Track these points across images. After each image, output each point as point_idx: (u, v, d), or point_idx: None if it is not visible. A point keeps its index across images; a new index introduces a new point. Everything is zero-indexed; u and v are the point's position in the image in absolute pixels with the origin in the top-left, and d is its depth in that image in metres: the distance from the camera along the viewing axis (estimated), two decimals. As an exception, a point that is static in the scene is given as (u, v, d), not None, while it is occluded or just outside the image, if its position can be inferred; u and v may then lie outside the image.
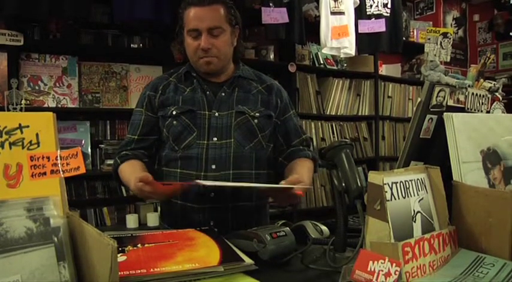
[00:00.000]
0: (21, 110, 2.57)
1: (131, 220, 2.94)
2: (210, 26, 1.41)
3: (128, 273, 0.85)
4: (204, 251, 1.02)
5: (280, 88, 1.59)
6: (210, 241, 1.09)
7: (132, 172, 1.38)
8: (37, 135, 0.76)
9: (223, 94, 1.48)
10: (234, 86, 1.51)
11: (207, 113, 1.45)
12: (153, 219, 2.95)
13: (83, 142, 2.92)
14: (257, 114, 1.47)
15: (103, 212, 2.96)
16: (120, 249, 0.95)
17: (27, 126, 0.76)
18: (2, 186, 0.72)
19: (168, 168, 1.48)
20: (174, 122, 1.45)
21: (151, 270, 0.88)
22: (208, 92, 1.48)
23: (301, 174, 1.35)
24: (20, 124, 0.75)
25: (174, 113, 1.45)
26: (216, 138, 1.43)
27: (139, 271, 0.87)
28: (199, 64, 1.46)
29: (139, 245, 1.01)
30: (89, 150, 2.94)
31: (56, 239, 0.70)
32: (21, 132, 0.75)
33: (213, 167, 1.41)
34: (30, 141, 0.75)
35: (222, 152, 1.42)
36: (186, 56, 1.53)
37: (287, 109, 1.57)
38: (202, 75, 1.51)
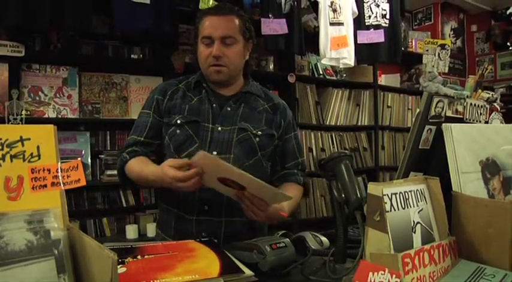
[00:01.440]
0: (21, 120, 2.57)
1: (131, 231, 2.93)
2: (223, 34, 1.42)
3: None
4: (204, 262, 1.02)
5: (285, 107, 1.59)
6: (210, 252, 1.09)
7: (146, 164, 1.39)
8: (38, 147, 0.76)
9: (228, 109, 1.48)
10: (240, 102, 1.51)
11: (210, 125, 1.46)
12: (152, 229, 2.94)
13: (83, 152, 2.92)
14: (259, 132, 1.47)
15: (103, 222, 2.95)
16: (120, 260, 0.95)
17: (28, 139, 0.76)
18: (3, 198, 0.72)
19: None
20: (178, 131, 1.45)
21: (151, 281, 0.88)
22: (214, 105, 1.48)
23: (282, 205, 1.34)
24: (21, 137, 0.76)
25: (178, 121, 1.45)
26: (216, 152, 1.42)
27: None
28: (209, 72, 1.46)
29: (139, 257, 1.01)
30: (89, 160, 2.94)
31: (56, 252, 0.70)
32: (22, 145, 0.75)
33: None
34: (31, 154, 0.76)
35: None
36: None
37: (289, 130, 1.57)
38: (211, 86, 1.52)
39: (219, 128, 1.45)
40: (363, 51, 3.50)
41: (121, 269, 0.92)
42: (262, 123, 1.50)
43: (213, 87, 1.52)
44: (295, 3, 3.14)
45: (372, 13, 3.53)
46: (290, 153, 1.56)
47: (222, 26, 1.43)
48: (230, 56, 1.44)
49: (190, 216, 1.42)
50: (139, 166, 1.40)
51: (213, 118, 1.47)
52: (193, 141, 1.44)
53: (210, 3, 2.64)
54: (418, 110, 1.08)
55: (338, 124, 3.86)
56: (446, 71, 1.94)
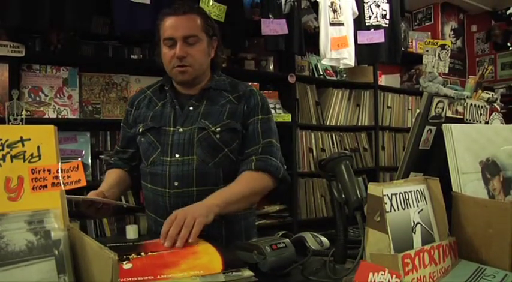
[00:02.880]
0: (21, 120, 2.57)
1: (131, 231, 2.92)
2: (185, 34, 1.40)
3: (136, 279, 0.86)
4: (207, 258, 1.02)
5: (252, 93, 1.51)
6: (211, 248, 1.09)
7: (105, 181, 1.52)
8: (38, 148, 0.76)
9: (190, 108, 1.46)
10: (203, 99, 1.48)
11: (171, 129, 1.44)
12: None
13: (83, 153, 2.92)
14: (218, 129, 1.42)
15: (103, 222, 2.95)
16: (124, 257, 0.95)
17: (29, 139, 0.76)
18: (3, 199, 0.72)
19: (144, 182, 1.52)
20: (142, 139, 1.49)
21: (159, 276, 0.88)
22: (177, 107, 1.47)
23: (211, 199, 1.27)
24: (21, 137, 0.76)
25: (141, 130, 1.49)
26: (178, 155, 1.41)
27: (147, 278, 0.87)
28: (173, 73, 1.45)
29: (142, 254, 1.01)
30: (89, 161, 2.94)
31: (56, 252, 0.70)
32: (23, 145, 0.75)
33: (176, 184, 1.41)
34: (32, 154, 0.76)
35: (185, 168, 1.40)
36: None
37: (252, 114, 1.47)
38: (177, 88, 1.51)
39: (180, 130, 1.43)
40: (363, 52, 3.50)
41: (127, 265, 0.92)
42: (224, 117, 1.44)
43: (179, 89, 1.51)
44: (296, 3, 3.14)
45: (372, 13, 3.53)
46: (249, 138, 1.45)
47: (183, 26, 1.41)
48: (194, 55, 1.42)
49: (162, 219, 1.40)
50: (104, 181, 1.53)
51: (174, 120, 1.45)
52: (156, 146, 1.45)
53: (210, 3, 2.65)
54: (418, 111, 1.08)
55: (338, 124, 3.86)
56: (447, 71, 1.94)
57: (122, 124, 1.62)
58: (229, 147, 1.44)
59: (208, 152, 1.42)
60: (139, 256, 0.99)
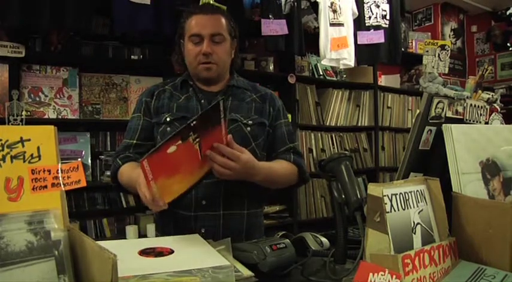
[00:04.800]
0: (21, 121, 2.58)
1: (131, 231, 2.93)
2: (212, 32, 1.43)
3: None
4: None
5: (273, 96, 1.59)
6: None
7: (135, 169, 1.35)
8: (38, 148, 0.76)
9: None
10: (228, 95, 1.51)
11: None
12: (152, 230, 2.94)
13: (83, 153, 2.92)
14: (250, 121, 1.47)
15: (103, 223, 2.96)
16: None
17: (29, 140, 0.76)
18: (3, 199, 0.72)
19: None
20: (168, 129, 1.45)
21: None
22: (202, 101, 1.49)
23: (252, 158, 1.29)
24: (21, 137, 0.76)
25: (168, 119, 1.46)
26: None
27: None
28: (199, 70, 1.47)
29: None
30: (89, 161, 2.95)
31: (56, 253, 0.70)
32: (23, 146, 0.75)
33: None
34: (32, 155, 0.76)
35: None
36: (183, 66, 1.54)
37: (279, 117, 1.56)
38: (198, 84, 1.52)
39: None
40: (363, 52, 3.50)
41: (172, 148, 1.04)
42: (252, 112, 1.50)
43: (200, 85, 1.52)
44: (295, 4, 3.14)
45: (372, 14, 3.53)
46: (279, 139, 1.54)
47: (211, 24, 1.44)
48: (219, 53, 1.45)
49: (188, 212, 1.42)
50: (129, 172, 1.40)
51: None
52: None
53: (210, 3, 2.64)
54: (418, 111, 1.08)
55: (338, 125, 3.86)
56: (446, 71, 1.94)
57: (136, 115, 1.52)
58: (256, 141, 1.47)
59: (239, 144, 1.40)
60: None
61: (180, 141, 1.05)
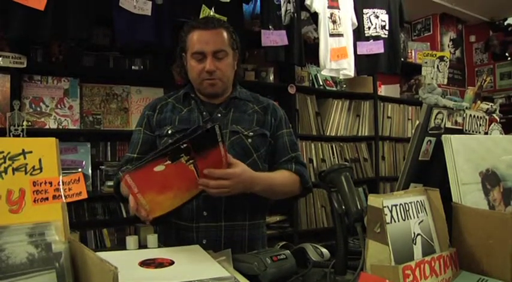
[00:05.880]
0: (22, 131, 2.58)
1: (131, 242, 2.91)
2: (215, 49, 1.43)
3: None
4: None
5: (275, 107, 1.59)
6: None
7: None
8: (40, 160, 0.77)
9: (219, 115, 1.49)
10: (230, 107, 1.52)
11: None
12: (153, 240, 2.91)
13: (84, 163, 2.92)
14: (251, 133, 1.47)
15: (103, 233, 2.95)
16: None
17: (30, 152, 0.77)
18: (4, 211, 0.73)
19: None
20: (170, 141, 1.44)
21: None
22: (204, 113, 1.49)
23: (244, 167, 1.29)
24: (23, 149, 0.76)
25: (169, 131, 1.47)
26: None
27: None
28: (203, 86, 1.48)
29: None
30: (90, 171, 2.94)
31: (57, 265, 0.70)
32: (25, 158, 0.76)
33: None
34: (33, 167, 0.76)
35: None
36: (186, 78, 1.55)
37: (280, 127, 1.56)
38: (200, 97, 1.53)
39: None
40: (362, 62, 3.52)
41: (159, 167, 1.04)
42: (254, 124, 1.50)
43: (203, 98, 1.53)
44: (295, 14, 3.16)
45: (372, 24, 3.56)
46: (282, 149, 1.54)
47: (213, 41, 1.43)
48: (223, 69, 1.46)
49: (190, 223, 1.42)
50: None
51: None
52: None
53: (211, 14, 2.66)
54: (417, 122, 1.08)
55: (338, 135, 3.86)
56: (445, 82, 1.95)
57: (138, 129, 1.55)
58: (257, 152, 1.48)
59: (240, 155, 1.42)
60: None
61: (168, 162, 1.04)
